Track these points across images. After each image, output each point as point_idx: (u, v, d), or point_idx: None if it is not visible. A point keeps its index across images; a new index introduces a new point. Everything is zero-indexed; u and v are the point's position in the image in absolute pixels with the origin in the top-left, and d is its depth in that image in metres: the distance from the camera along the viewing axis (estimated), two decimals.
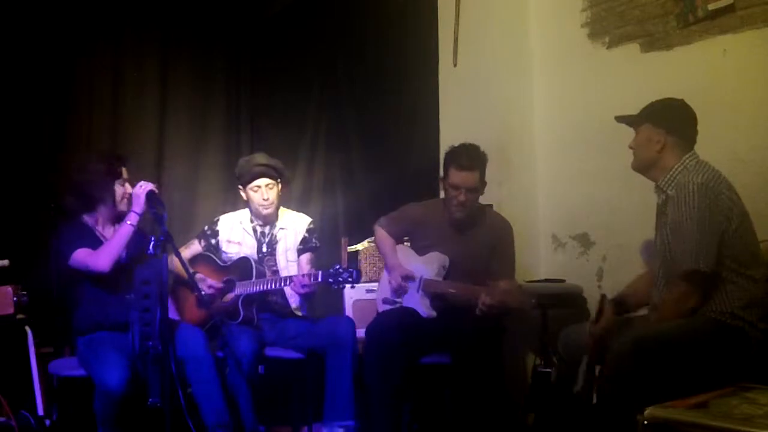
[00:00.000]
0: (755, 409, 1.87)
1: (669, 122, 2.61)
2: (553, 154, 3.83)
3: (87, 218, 3.14)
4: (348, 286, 3.30)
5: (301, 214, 3.61)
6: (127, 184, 3.10)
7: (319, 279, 3.14)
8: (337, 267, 3.11)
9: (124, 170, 3.13)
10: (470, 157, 3.14)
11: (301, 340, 3.29)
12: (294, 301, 3.40)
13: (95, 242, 3.06)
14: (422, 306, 3.16)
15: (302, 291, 3.18)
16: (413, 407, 3.34)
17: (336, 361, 3.15)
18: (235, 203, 3.66)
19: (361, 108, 4.62)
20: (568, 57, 3.77)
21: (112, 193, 3.09)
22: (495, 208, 3.57)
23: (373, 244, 3.76)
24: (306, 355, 3.28)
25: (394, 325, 3.04)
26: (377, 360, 2.98)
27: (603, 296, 2.69)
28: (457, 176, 3.12)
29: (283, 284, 3.28)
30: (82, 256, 3.00)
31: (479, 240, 3.21)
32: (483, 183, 3.19)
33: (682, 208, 2.46)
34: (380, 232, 3.41)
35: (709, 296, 2.46)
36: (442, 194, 3.34)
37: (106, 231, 3.15)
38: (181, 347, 2.94)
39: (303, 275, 3.21)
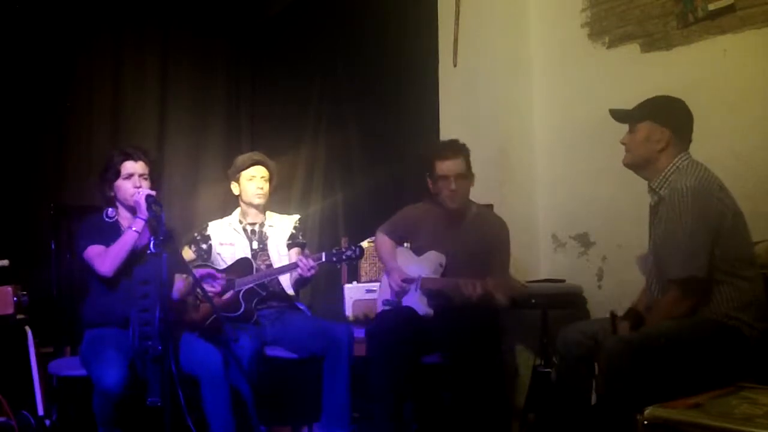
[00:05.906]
0: (755, 409, 1.87)
1: (673, 122, 2.59)
2: (553, 154, 3.83)
3: (111, 211, 3.12)
4: (348, 285, 3.31)
5: (288, 215, 3.70)
6: (136, 178, 3.02)
7: (323, 259, 3.26)
8: (339, 248, 3.31)
9: (129, 166, 3.04)
10: (451, 146, 3.22)
11: (300, 342, 3.30)
12: (291, 289, 3.49)
13: (118, 235, 3.02)
14: (420, 304, 3.16)
15: (309, 274, 3.25)
16: (413, 407, 3.34)
17: (332, 368, 3.18)
18: (236, 203, 3.67)
19: (361, 108, 4.62)
20: (568, 57, 3.77)
21: (117, 189, 3.05)
22: (495, 208, 3.56)
23: (373, 244, 3.76)
24: (306, 355, 3.28)
25: (393, 323, 3.05)
26: (379, 358, 2.98)
27: (613, 315, 2.62)
28: (444, 166, 3.16)
29: (288, 271, 3.35)
30: (92, 254, 2.99)
31: (475, 238, 3.21)
32: (470, 173, 3.20)
33: (675, 213, 2.45)
34: (380, 236, 3.42)
35: (704, 299, 2.45)
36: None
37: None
38: (196, 365, 2.89)
39: (307, 257, 3.28)
